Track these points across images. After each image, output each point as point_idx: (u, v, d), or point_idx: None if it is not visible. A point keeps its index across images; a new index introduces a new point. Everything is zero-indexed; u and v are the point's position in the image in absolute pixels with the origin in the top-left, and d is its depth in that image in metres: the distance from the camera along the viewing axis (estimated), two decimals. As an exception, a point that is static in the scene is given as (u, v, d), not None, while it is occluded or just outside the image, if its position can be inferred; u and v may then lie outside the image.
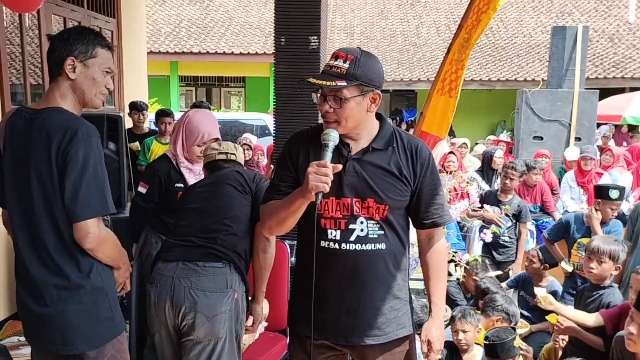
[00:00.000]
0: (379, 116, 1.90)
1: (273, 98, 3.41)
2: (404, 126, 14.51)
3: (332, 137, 1.72)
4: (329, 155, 1.69)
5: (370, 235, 1.83)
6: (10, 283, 3.58)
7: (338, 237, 1.82)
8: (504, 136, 10.31)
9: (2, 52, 3.57)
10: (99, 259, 1.87)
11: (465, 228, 5.24)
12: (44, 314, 1.85)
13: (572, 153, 6.91)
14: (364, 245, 1.83)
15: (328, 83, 1.69)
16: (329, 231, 1.82)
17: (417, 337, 2.02)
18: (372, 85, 1.75)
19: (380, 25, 17.04)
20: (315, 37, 3.21)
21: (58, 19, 4.32)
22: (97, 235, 1.79)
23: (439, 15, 17.45)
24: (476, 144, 10.33)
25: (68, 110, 1.83)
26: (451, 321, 3.17)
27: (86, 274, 1.85)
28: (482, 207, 4.80)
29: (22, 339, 3.24)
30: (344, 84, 1.68)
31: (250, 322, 2.33)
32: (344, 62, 1.70)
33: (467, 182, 4.78)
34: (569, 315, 2.97)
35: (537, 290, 3.23)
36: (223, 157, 2.49)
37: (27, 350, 3.05)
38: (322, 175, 1.62)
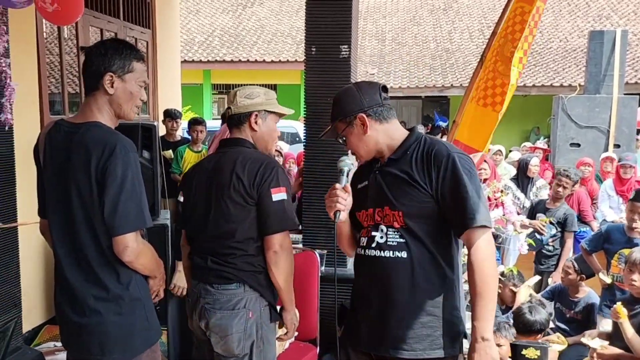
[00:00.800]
0: (412, 129, 1.98)
1: (304, 105, 3.42)
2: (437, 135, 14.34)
3: (346, 163, 1.96)
4: (342, 179, 1.94)
5: (389, 242, 1.86)
6: (47, 289, 3.67)
7: (365, 244, 1.93)
8: (540, 143, 10.10)
9: (42, 62, 3.67)
10: (137, 270, 1.90)
11: (500, 239, 5.14)
12: (82, 324, 1.88)
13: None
14: (382, 252, 1.86)
15: (324, 133, 2.05)
16: (361, 239, 1.96)
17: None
18: (348, 114, 1.91)
19: (413, 31, 16.95)
20: (346, 46, 3.20)
21: (95, 30, 4.43)
22: (135, 248, 1.82)
23: (472, 21, 17.26)
24: (510, 151, 10.14)
25: (105, 124, 1.87)
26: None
27: (125, 285, 1.88)
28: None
29: (59, 344, 3.31)
30: (328, 128, 1.99)
31: (282, 331, 2.28)
32: (333, 105, 1.98)
33: (502, 191, 4.69)
34: (629, 335, 2.88)
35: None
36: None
37: (63, 355, 3.11)
38: (332, 196, 1.90)
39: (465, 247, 1.88)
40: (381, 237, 1.87)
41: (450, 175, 1.79)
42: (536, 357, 2.84)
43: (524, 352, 2.89)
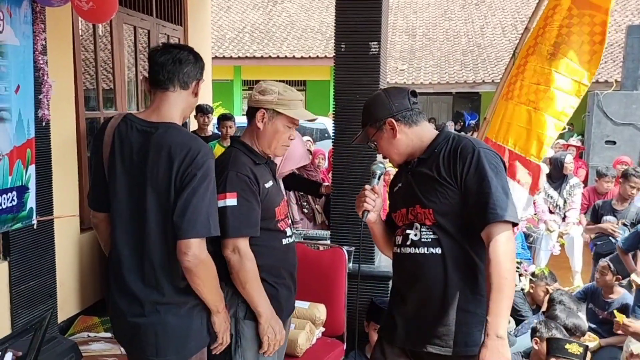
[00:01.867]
0: (441, 129, 2.06)
1: (333, 102, 3.42)
2: (468, 132, 14.15)
3: (379, 166, 2.08)
4: (373, 181, 2.04)
5: (423, 239, 1.89)
6: (81, 280, 3.76)
7: (400, 242, 1.98)
8: (574, 140, 9.89)
9: (77, 59, 3.75)
10: (195, 286, 1.84)
11: (532, 238, 5.06)
12: (139, 323, 1.88)
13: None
14: (417, 248, 1.91)
15: (356, 140, 2.10)
16: (396, 238, 2.01)
17: None
18: (377, 119, 1.97)
19: (444, 26, 16.75)
20: (376, 43, 3.19)
21: (129, 28, 4.50)
22: (197, 255, 1.78)
23: (505, 15, 16.96)
24: (543, 148, 9.93)
25: (182, 127, 1.91)
26: (533, 332, 3.10)
27: (184, 291, 1.87)
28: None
29: (92, 334, 3.40)
30: (359, 133, 2.06)
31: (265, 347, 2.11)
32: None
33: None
34: None
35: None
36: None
37: (97, 346, 3.20)
38: (361, 196, 2.01)
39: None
40: (415, 235, 1.91)
41: (474, 170, 1.79)
42: (579, 352, 2.82)
43: (567, 346, 2.86)
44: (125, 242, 1.89)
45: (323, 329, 3.04)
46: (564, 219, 5.71)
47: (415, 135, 1.96)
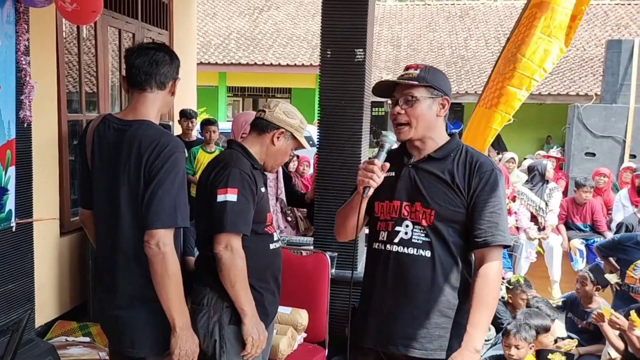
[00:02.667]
0: (452, 134, 1.97)
1: (318, 109, 3.43)
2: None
3: (389, 139, 1.87)
4: (382, 155, 1.84)
5: (414, 240, 1.85)
6: (60, 284, 3.71)
7: (385, 238, 1.89)
8: (554, 152, 10.03)
9: (61, 61, 3.72)
10: (153, 281, 1.83)
11: (512, 246, 5.11)
12: (116, 316, 1.93)
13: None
14: (406, 248, 1.85)
15: (399, 81, 1.86)
16: (380, 233, 1.91)
17: None
18: (442, 90, 1.87)
19: (428, 38, 16.92)
20: (361, 50, 3.21)
21: (113, 31, 4.48)
22: (159, 245, 1.80)
23: (489, 28, 17.19)
24: (525, 158, 10.08)
25: (155, 123, 1.95)
26: (504, 335, 3.12)
27: None
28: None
29: (70, 338, 3.35)
30: (415, 83, 1.84)
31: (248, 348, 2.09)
32: (415, 70, 1.88)
33: (510, 199, 4.67)
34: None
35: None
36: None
37: (75, 350, 3.16)
38: (368, 171, 1.80)
39: (473, 254, 1.90)
40: (406, 234, 1.86)
41: (489, 190, 1.84)
42: None
43: (550, 356, 2.91)
44: (103, 236, 1.96)
45: (305, 335, 3.03)
46: (544, 227, 5.80)
47: (440, 127, 1.92)
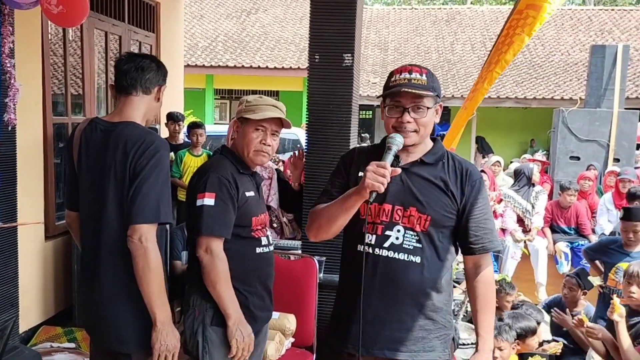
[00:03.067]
0: (434, 139, 1.96)
1: (306, 113, 3.43)
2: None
3: (398, 141, 1.77)
4: (390, 158, 1.74)
5: (405, 245, 1.83)
6: (45, 289, 3.67)
7: (373, 242, 1.85)
8: (539, 155, 10.13)
9: (46, 63, 3.69)
10: (137, 270, 1.87)
11: (499, 249, 5.15)
12: (103, 314, 1.96)
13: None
14: (396, 253, 1.83)
15: (419, 92, 1.79)
16: (367, 235, 1.85)
17: None
18: (440, 96, 1.88)
19: (415, 42, 17.01)
20: (349, 55, 3.22)
21: (100, 33, 4.44)
22: (142, 240, 1.86)
23: (475, 32, 17.33)
24: (511, 162, 10.17)
25: (140, 124, 2.03)
26: None
27: None
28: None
29: (55, 344, 3.31)
30: (430, 94, 1.80)
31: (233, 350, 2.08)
32: (421, 75, 1.82)
33: (496, 202, 4.71)
34: (625, 346, 2.92)
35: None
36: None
37: (60, 356, 3.12)
38: (379, 175, 1.67)
39: (466, 260, 1.95)
40: (397, 239, 1.83)
41: (479, 197, 1.89)
42: None
43: (530, 359, 2.94)
44: (89, 234, 2.01)
45: (293, 340, 3.02)
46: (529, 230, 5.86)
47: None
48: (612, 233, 4.68)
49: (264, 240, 2.25)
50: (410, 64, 1.87)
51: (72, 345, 3.30)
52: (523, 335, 3.31)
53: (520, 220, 5.90)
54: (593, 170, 7.20)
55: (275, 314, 2.91)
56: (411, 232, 1.83)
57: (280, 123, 2.23)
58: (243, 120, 2.20)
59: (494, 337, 3.03)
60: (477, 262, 1.92)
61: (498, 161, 7.26)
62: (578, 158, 8.00)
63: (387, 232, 1.84)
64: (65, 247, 3.83)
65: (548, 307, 4.20)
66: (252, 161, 2.23)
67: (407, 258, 1.83)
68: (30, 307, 3.48)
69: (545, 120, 11.31)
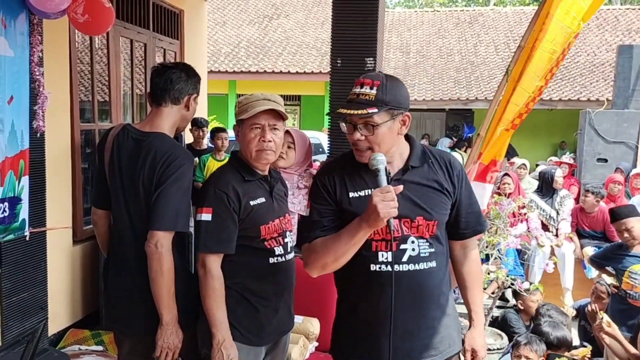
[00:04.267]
0: (407, 137, 1.88)
1: (328, 117, 3.44)
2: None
3: (380, 160, 1.70)
4: (384, 179, 1.67)
5: (422, 254, 1.81)
6: (73, 293, 3.73)
7: (390, 259, 1.77)
8: (567, 158, 9.97)
9: (74, 71, 3.76)
10: (150, 272, 2.00)
11: (526, 255, 5.07)
12: (132, 301, 2.11)
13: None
14: (417, 265, 1.80)
15: (359, 112, 1.69)
16: (380, 254, 1.78)
17: None
18: (401, 107, 1.74)
19: (437, 44, 16.91)
20: (371, 59, 3.22)
21: (125, 41, 4.52)
22: (157, 246, 1.98)
23: (498, 34, 17.16)
24: (537, 165, 10.02)
25: (169, 136, 2.16)
26: (514, 347, 3.10)
27: None
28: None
29: (83, 347, 3.36)
30: (375, 110, 1.68)
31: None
32: (371, 88, 1.71)
33: (526, 207, 4.63)
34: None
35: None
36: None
37: (88, 359, 3.17)
38: (389, 200, 1.60)
39: (453, 245, 1.97)
40: (413, 250, 1.79)
41: (465, 184, 1.92)
42: None
43: None
44: (118, 234, 2.16)
45: (317, 344, 3.02)
46: (556, 235, 5.75)
47: (400, 138, 1.81)
48: None
49: (277, 250, 2.13)
50: (366, 76, 1.76)
51: (100, 348, 3.35)
52: (556, 346, 3.23)
53: (543, 227, 5.78)
54: (620, 173, 7.05)
55: (299, 318, 2.91)
56: (422, 240, 1.81)
57: (278, 116, 2.10)
58: (239, 122, 2.13)
59: (523, 346, 3.00)
60: (465, 244, 1.97)
61: (523, 164, 7.16)
62: (605, 160, 7.86)
63: (403, 246, 1.79)
64: (92, 251, 3.89)
65: (577, 311, 4.13)
66: (258, 162, 2.11)
67: (427, 266, 1.82)
68: (59, 311, 3.54)
69: (571, 122, 11.14)
